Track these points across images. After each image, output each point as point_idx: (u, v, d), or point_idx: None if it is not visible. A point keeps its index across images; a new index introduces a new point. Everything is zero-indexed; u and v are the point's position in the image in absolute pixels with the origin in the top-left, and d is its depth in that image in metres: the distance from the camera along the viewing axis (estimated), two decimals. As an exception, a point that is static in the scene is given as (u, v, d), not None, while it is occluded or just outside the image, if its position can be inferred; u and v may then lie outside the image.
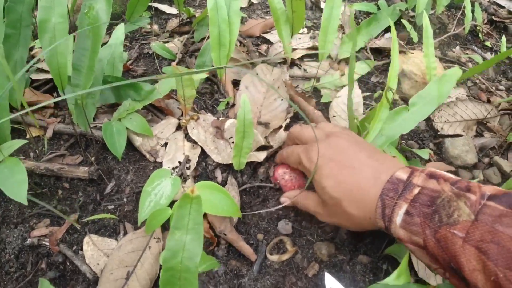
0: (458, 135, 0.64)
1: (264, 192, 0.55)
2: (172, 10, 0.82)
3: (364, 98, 0.68)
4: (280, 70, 0.65)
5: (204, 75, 0.56)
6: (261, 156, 0.55)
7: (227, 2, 0.57)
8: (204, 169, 0.56)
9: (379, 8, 0.87)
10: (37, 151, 0.56)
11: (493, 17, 0.92)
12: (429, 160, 0.61)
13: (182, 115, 0.61)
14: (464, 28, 0.84)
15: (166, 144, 0.58)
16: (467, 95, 0.71)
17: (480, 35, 0.87)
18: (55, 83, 0.48)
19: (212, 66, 0.63)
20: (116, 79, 0.55)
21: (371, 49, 0.76)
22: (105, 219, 0.50)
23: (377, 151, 0.42)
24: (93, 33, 0.46)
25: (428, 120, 0.67)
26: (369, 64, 0.70)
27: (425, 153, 0.51)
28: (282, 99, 0.61)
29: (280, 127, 0.59)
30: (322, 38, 0.61)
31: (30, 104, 0.64)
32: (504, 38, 0.85)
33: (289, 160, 0.50)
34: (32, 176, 0.53)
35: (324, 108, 0.65)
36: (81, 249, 0.48)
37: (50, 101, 0.30)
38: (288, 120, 0.59)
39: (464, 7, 0.82)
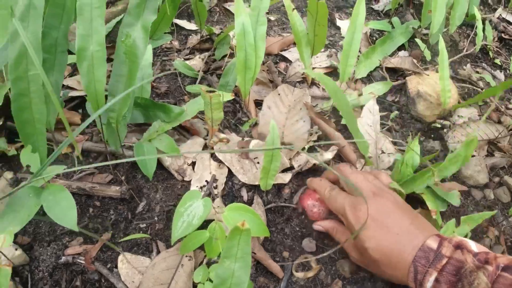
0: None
1: (288, 212, 0.58)
2: (192, 26, 0.85)
3: (381, 118, 0.71)
4: (301, 91, 0.68)
5: (230, 97, 0.59)
6: (287, 178, 0.58)
7: (253, 26, 0.60)
8: (230, 188, 0.59)
9: (393, 26, 0.90)
10: (68, 162, 0.59)
11: (502, 34, 0.95)
12: (443, 181, 0.64)
13: (207, 134, 0.63)
14: (475, 48, 0.87)
15: (193, 163, 0.60)
16: (479, 115, 0.75)
17: (490, 53, 0.90)
18: (92, 107, 0.50)
19: (236, 86, 0.65)
20: (145, 100, 0.58)
21: (386, 68, 0.79)
22: (137, 238, 0.53)
23: (417, 216, 0.47)
24: (130, 61, 0.49)
25: (443, 141, 0.70)
26: (385, 85, 0.73)
27: (455, 200, 0.55)
28: (304, 120, 0.64)
29: (303, 149, 0.61)
30: (343, 62, 0.63)
31: (58, 122, 0.66)
32: None
33: (331, 204, 0.52)
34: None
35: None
36: (116, 266, 0.50)
37: (85, 123, 0.33)
38: (311, 143, 0.62)
39: (476, 26, 0.86)
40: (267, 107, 0.67)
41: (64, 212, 0.40)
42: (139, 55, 0.49)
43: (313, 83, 0.74)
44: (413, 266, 0.42)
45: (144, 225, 0.54)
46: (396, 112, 0.70)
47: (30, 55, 0.40)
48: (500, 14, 1.03)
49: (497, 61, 0.90)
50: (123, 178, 0.58)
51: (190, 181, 0.58)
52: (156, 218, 0.55)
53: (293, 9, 0.66)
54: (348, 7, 0.98)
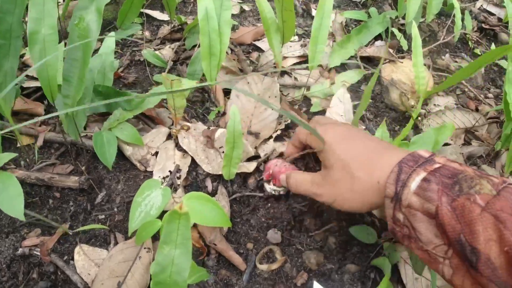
0: (446, 144, 0.66)
1: (254, 202, 0.56)
2: (164, 16, 0.83)
3: (354, 106, 0.70)
4: (271, 79, 0.67)
5: (193, 84, 0.58)
6: (251, 166, 0.56)
7: (217, 12, 0.59)
8: (194, 178, 0.57)
9: (369, 16, 0.89)
10: (28, 160, 0.57)
11: (483, 24, 0.94)
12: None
13: (172, 124, 0.62)
14: (454, 36, 0.87)
15: (156, 153, 0.59)
16: (455, 104, 0.74)
17: (469, 42, 0.89)
18: (45, 93, 0.49)
19: (203, 75, 0.64)
20: (107, 88, 0.56)
21: (361, 57, 0.78)
22: (96, 229, 0.52)
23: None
24: (84, 44, 0.47)
25: (417, 129, 0.69)
26: (357, 74, 0.72)
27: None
28: (272, 109, 0.63)
29: (270, 137, 0.60)
30: (312, 49, 0.62)
31: (21, 113, 0.64)
32: (493, 46, 0.88)
33: (299, 135, 0.48)
34: (23, 185, 0.54)
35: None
36: (72, 259, 0.49)
37: (44, 117, 0.32)
38: (278, 131, 0.61)
39: (454, 15, 0.85)
40: (236, 96, 0.65)
41: (11, 200, 0.39)
42: (92, 39, 0.47)
43: (285, 72, 0.73)
44: (397, 166, 0.36)
45: (103, 216, 0.53)
46: (369, 100, 0.69)
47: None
48: (481, 5, 1.02)
49: (477, 50, 0.89)
50: (83, 168, 0.56)
51: (152, 172, 0.57)
52: (115, 210, 0.54)
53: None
54: (327, -3, 0.97)
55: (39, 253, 0.49)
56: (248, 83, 0.67)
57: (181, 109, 0.57)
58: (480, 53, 0.89)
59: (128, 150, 0.57)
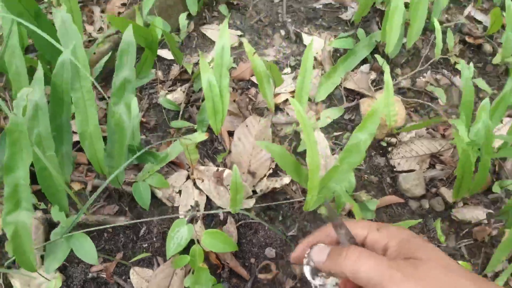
0: (411, 170, 0.84)
1: (255, 226, 0.78)
2: (171, 55, 1.00)
3: (336, 137, 0.88)
4: (266, 121, 0.85)
5: (204, 137, 0.77)
6: (251, 203, 0.77)
7: (218, 80, 0.76)
8: (209, 209, 0.79)
9: (357, 37, 1.02)
10: (81, 203, 0.80)
11: (466, 37, 1.06)
12: (385, 194, 0.82)
13: (189, 167, 0.83)
14: (435, 57, 0.99)
15: (180, 191, 0.80)
16: (426, 128, 0.90)
17: (451, 59, 1.02)
18: (96, 170, 0.70)
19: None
20: (138, 147, 0.77)
21: (345, 88, 0.93)
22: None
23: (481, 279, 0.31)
24: (119, 130, 0.67)
25: (388, 157, 0.87)
26: (339, 110, 0.89)
27: (373, 205, 0.73)
28: (267, 150, 0.82)
29: (264, 175, 0.80)
30: (297, 111, 0.79)
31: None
32: (471, 68, 0.97)
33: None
34: (84, 226, 0.77)
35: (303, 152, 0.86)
36: (129, 277, 0.73)
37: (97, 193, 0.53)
38: (271, 170, 0.80)
39: (435, 37, 0.97)
40: (238, 139, 0.84)
41: (87, 252, 0.62)
42: (125, 126, 0.67)
43: (278, 109, 0.90)
44: None
45: (146, 244, 0.76)
46: (348, 133, 0.87)
47: (43, 142, 0.59)
48: (470, 12, 1.12)
49: (458, 66, 1.02)
50: (127, 209, 0.79)
51: (178, 206, 0.79)
52: (154, 239, 0.77)
53: (254, 53, 0.80)
54: (318, 18, 1.09)
55: (104, 276, 0.73)
56: (247, 126, 0.85)
57: (196, 160, 0.77)
58: (460, 69, 1.02)
59: (159, 193, 0.79)
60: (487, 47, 1.06)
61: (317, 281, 0.35)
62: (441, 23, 1.06)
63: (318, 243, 0.36)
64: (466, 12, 1.12)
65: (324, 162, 0.82)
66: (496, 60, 1.03)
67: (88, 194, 0.81)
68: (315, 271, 0.35)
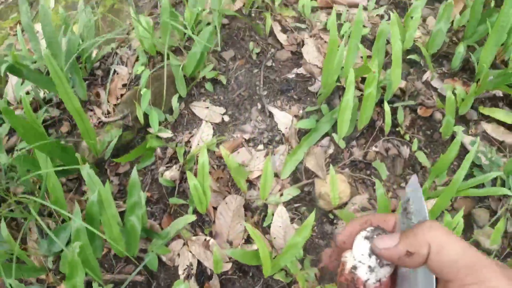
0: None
1: (233, 280, 1.10)
2: (167, 134, 1.23)
3: (296, 208, 1.14)
4: (240, 198, 1.11)
5: (193, 218, 1.05)
6: (229, 266, 1.08)
7: (200, 183, 1.02)
8: (200, 269, 1.11)
9: (321, 112, 1.21)
10: (106, 266, 1.13)
11: (418, 108, 1.22)
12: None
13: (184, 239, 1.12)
14: (385, 131, 1.19)
15: (178, 254, 1.11)
16: (368, 200, 1.14)
17: (401, 130, 1.21)
18: (117, 253, 1.00)
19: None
20: (146, 231, 1.06)
21: (304, 167, 1.16)
22: (154, 300, 1.10)
23: None
24: (133, 231, 0.96)
25: (333, 227, 1.13)
26: (297, 189, 1.13)
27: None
28: (241, 224, 1.10)
29: (239, 244, 1.09)
30: (262, 194, 1.04)
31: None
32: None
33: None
34: (110, 282, 1.11)
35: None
36: (147, 316, 1.08)
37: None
38: (243, 240, 1.09)
39: (385, 116, 1.15)
40: (220, 213, 1.12)
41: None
42: (136, 228, 0.96)
43: (252, 185, 1.16)
44: None
45: (157, 293, 1.10)
46: (304, 208, 1.13)
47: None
48: (428, 78, 1.26)
49: (407, 136, 1.21)
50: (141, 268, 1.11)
51: (178, 266, 1.11)
52: (162, 290, 1.10)
53: (228, 155, 1.04)
54: (290, 90, 1.27)
55: (131, 313, 1.09)
56: (226, 203, 1.12)
57: (189, 235, 1.06)
58: (409, 138, 1.21)
59: (164, 258, 1.10)
60: (437, 115, 1.23)
61: (371, 262, 0.34)
62: (397, 96, 1.23)
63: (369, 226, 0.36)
64: (424, 77, 1.27)
65: (284, 232, 1.10)
66: (443, 129, 1.21)
67: (113, 260, 1.13)
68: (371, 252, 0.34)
